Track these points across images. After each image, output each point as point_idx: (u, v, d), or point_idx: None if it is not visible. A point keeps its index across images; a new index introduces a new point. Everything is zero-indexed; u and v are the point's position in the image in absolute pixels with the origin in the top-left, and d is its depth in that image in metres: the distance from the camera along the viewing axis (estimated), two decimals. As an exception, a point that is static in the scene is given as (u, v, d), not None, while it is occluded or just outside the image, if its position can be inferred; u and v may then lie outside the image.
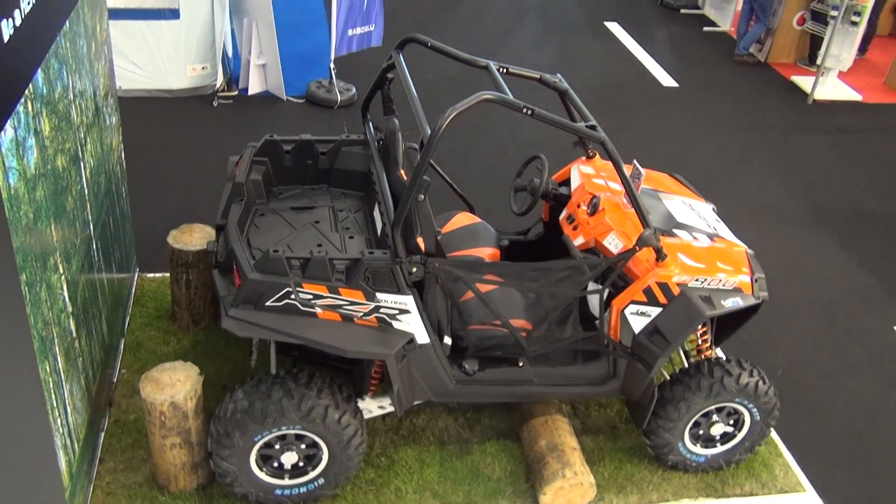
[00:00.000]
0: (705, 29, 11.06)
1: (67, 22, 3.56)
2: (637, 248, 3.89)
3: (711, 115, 8.65)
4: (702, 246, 4.22)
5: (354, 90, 7.99)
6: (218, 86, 7.73)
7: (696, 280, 4.01)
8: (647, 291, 3.97)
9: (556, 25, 10.61)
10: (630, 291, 4.00)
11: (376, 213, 4.23)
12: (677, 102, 8.87)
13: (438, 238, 3.96)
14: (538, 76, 4.24)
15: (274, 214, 4.30)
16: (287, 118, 7.65)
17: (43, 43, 3.14)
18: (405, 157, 4.33)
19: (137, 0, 7.30)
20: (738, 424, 4.28)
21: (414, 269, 3.68)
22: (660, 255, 3.93)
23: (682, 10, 11.56)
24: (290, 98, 7.92)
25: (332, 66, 7.88)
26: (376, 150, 4.42)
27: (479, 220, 4.85)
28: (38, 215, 3.05)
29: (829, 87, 9.38)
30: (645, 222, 3.85)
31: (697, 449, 4.31)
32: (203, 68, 7.71)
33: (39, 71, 3.10)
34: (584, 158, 4.85)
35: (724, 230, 4.54)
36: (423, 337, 3.79)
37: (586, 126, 3.87)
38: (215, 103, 7.66)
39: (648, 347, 3.98)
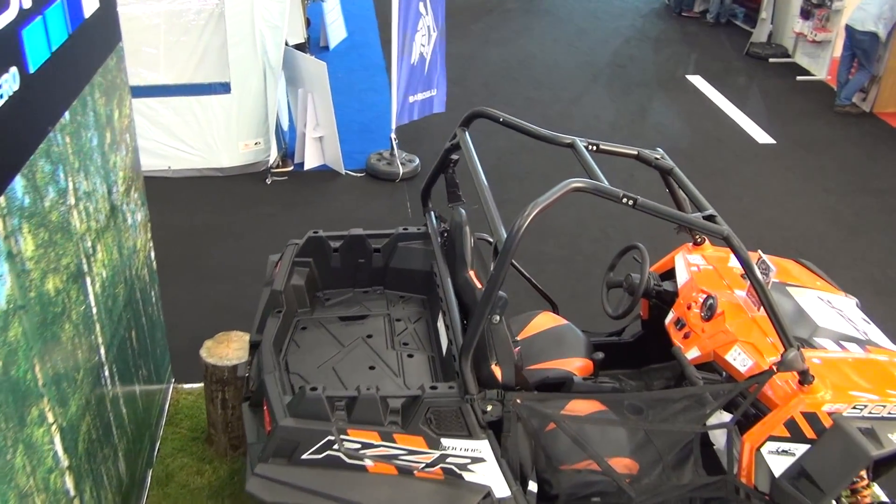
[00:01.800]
0: (798, 78, 10.14)
1: (68, 113, 2.96)
2: (775, 371, 3.03)
3: (817, 176, 7.70)
4: (855, 358, 3.33)
5: (418, 161, 7.34)
6: (272, 162, 7.18)
7: (854, 407, 3.11)
8: (790, 424, 3.09)
9: (633, 82, 9.85)
10: (767, 424, 3.12)
11: (440, 325, 3.48)
12: (777, 161, 7.95)
13: (517, 352, 3.18)
14: (636, 153, 3.47)
15: (319, 328, 3.59)
16: (345, 193, 7.03)
17: (22, 143, 2.52)
18: (475, 255, 3.58)
19: (188, 75, 6.84)
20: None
21: (489, 408, 2.90)
22: (805, 379, 3.06)
23: (771, 60, 10.67)
24: (349, 172, 7.32)
25: (392, 136, 7.26)
26: (439, 247, 3.69)
27: (564, 321, 4.05)
28: (10, 361, 2.39)
29: (949, 138, 8.34)
30: (787, 339, 3.00)
31: None
32: (256, 144, 7.18)
33: (18, 178, 2.47)
34: (690, 245, 4.02)
35: (876, 333, 3.63)
36: (502, 489, 2.98)
37: (703, 217, 3.06)
38: (269, 180, 7.11)
39: (794, 496, 3.09)
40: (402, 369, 3.37)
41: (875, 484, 3.80)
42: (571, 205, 6.69)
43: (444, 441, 2.88)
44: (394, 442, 2.86)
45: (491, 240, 4.04)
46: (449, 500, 2.89)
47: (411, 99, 7.32)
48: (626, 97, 9.40)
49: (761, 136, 8.47)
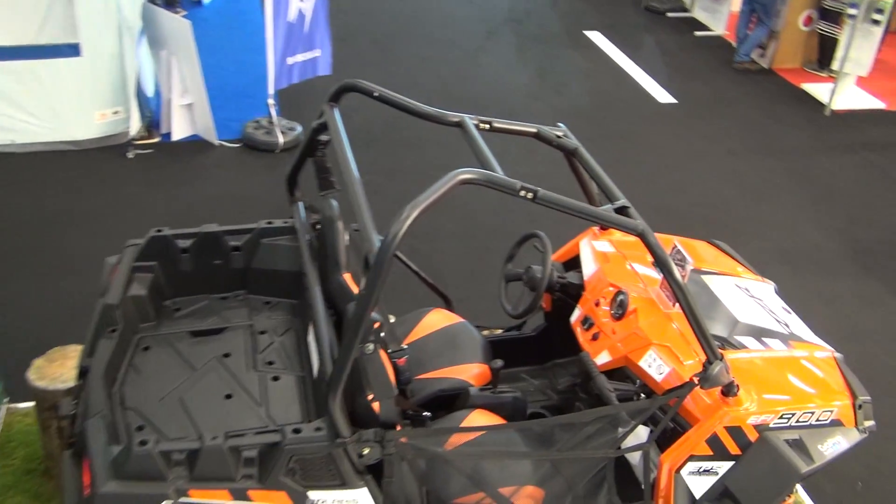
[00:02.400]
0: (697, 34, 9.88)
1: None
2: (696, 384, 2.63)
3: (720, 136, 7.44)
4: (778, 358, 2.98)
5: (300, 129, 6.68)
6: (133, 133, 6.38)
7: (781, 417, 2.76)
8: (713, 441, 2.71)
9: (530, 38, 9.37)
10: (687, 443, 2.73)
11: (312, 339, 2.94)
12: (679, 122, 7.65)
13: (402, 362, 2.69)
14: (535, 130, 2.99)
15: (165, 347, 2.99)
16: (219, 167, 6.33)
17: None
18: (350, 253, 3.04)
19: (30, 36, 5.95)
20: None
21: (365, 451, 2.39)
22: (729, 391, 2.67)
23: (669, 14, 10.38)
24: (223, 142, 6.61)
25: (270, 101, 6.58)
26: (307, 245, 3.13)
27: (457, 318, 3.58)
28: None
29: (848, 94, 8.21)
30: (711, 352, 2.59)
31: None
32: (115, 113, 6.36)
33: None
34: (597, 230, 3.59)
35: (797, 324, 3.30)
36: None
37: (615, 209, 2.60)
38: (131, 154, 6.32)
39: None
40: (266, 396, 2.82)
41: (798, 489, 3.51)
42: (465, 189, 6.20)
43: (313, 494, 2.37)
44: (249, 501, 2.33)
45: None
46: (319, 563, 2.38)
47: (290, 60, 6.63)
48: (523, 54, 8.92)
49: (662, 96, 8.16)
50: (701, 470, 2.74)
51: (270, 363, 2.97)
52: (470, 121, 2.81)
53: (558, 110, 7.55)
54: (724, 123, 7.68)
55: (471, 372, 3.31)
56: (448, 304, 3.80)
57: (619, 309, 3.11)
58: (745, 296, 3.31)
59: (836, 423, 2.86)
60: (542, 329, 3.80)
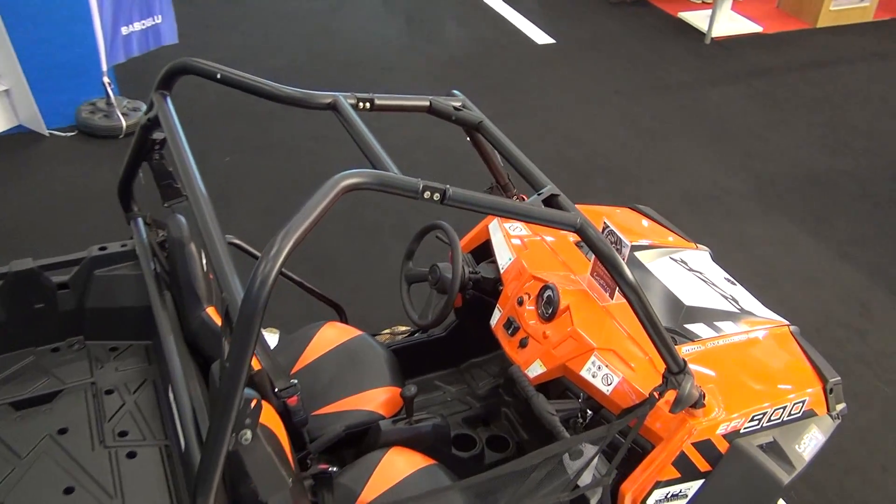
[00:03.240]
0: (566, -33, 9.41)
1: None
2: (671, 411, 2.18)
3: (606, 77, 7.03)
4: (736, 344, 2.56)
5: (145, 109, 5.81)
6: (-60, 131, 5.38)
7: (752, 420, 2.34)
8: (681, 461, 2.27)
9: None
10: (652, 468, 2.27)
11: (171, 395, 2.29)
12: (561, 64, 7.19)
13: (294, 401, 2.14)
14: (427, 103, 2.40)
15: None
16: (52, 162, 5.41)
17: None
18: (217, 282, 2.40)
19: None
20: None
21: None
22: (697, 402, 2.22)
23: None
24: (55, 132, 5.68)
25: (105, 80, 5.67)
26: (152, 275, 2.47)
27: (354, 331, 3.00)
28: None
29: (725, 21, 7.97)
30: (675, 363, 2.12)
31: None
32: (-86, 109, 5.34)
33: None
34: (506, 208, 3.04)
35: (742, 295, 2.90)
36: None
37: (543, 200, 2.06)
38: (-60, 157, 5.33)
39: None
40: (121, 483, 2.17)
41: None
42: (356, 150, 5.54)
43: None
44: None
45: (238, 242, 2.87)
46: None
47: (125, 30, 5.71)
48: (387, 2, 8.21)
49: (540, 37, 7.67)
50: (668, 496, 2.29)
51: (123, 434, 2.31)
52: (345, 101, 2.19)
53: (435, 61, 6.95)
54: (607, 61, 7.28)
55: (378, 399, 2.75)
56: (341, 315, 3.21)
57: (548, 307, 2.61)
58: (685, 271, 2.87)
59: (809, 415, 2.47)
60: (454, 327, 3.27)
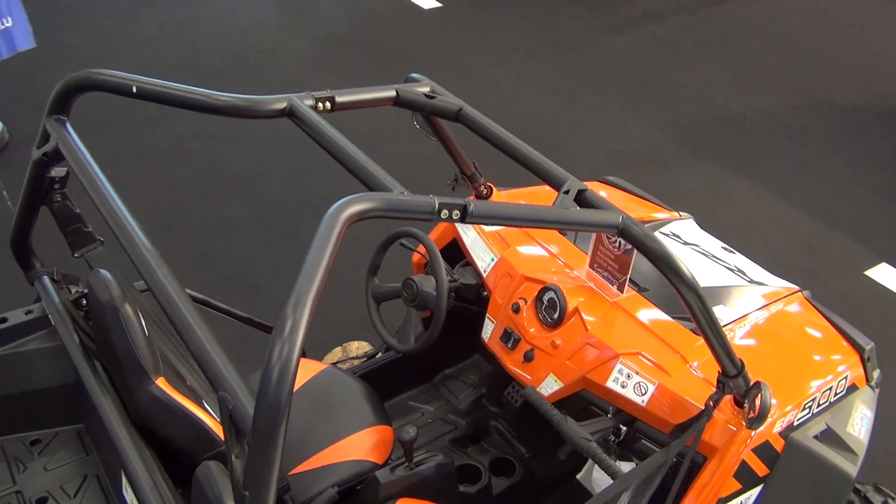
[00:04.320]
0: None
1: None
2: (750, 428, 1.89)
3: (501, 36, 6.70)
4: (765, 326, 2.30)
5: (1, 127, 5.06)
6: None
7: (804, 409, 2.08)
8: (741, 471, 1.98)
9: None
10: (709, 485, 1.98)
11: (129, 494, 1.82)
12: (453, 29, 6.80)
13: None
14: (392, 94, 1.99)
15: None
16: None
17: None
18: (152, 342, 1.92)
19: None
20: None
21: None
22: (745, 414, 1.93)
23: None
24: None
25: (-51, 99, 4.89)
26: (76, 345, 1.97)
27: (319, 365, 2.58)
28: None
29: (608, -33, 7.77)
30: (732, 364, 1.82)
31: None
32: None
33: None
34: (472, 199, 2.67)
35: (747, 265, 2.65)
36: None
37: (576, 198, 1.69)
38: None
39: None
40: None
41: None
42: (296, 180, 5.01)
43: None
44: None
45: (199, 295, 2.37)
46: None
47: (-37, 38, 4.92)
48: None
49: (424, 1, 7.25)
50: (730, 511, 2.01)
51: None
52: (302, 103, 1.74)
53: (317, 39, 6.42)
54: (499, 20, 6.95)
55: (365, 445, 2.34)
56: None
57: (552, 312, 2.26)
58: (682, 246, 2.59)
59: (852, 390, 2.24)
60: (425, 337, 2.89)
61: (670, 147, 5.32)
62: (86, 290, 2.14)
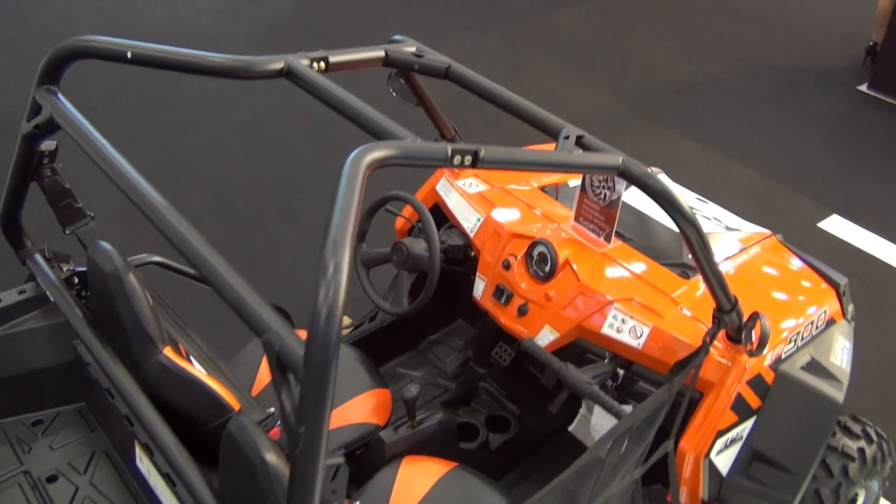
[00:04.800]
0: None
1: None
2: (751, 355, 1.97)
3: (446, 13, 6.72)
4: (745, 265, 2.40)
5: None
6: None
7: (790, 342, 2.18)
8: (737, 404, 2.07)
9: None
10: (709, 418, 2.06)
11: (144, 464, 1.82)
12: (397, 6, 6.80)
13: (275, 434, 1.78)
14: (381, 54, 2.01)
15: None
16: None
17: None
18: (158, 311, 1.92)
19: None
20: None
21: None
22: (743, 344, 2.01)
23: None
24: None
25: None
26: (80, 317, 1.95)
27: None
28: None
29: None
30: (727, 299, 1.90)
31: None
32: None
33: None
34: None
35: (722, 213, 2.75)
36: None
37: (577, 142, 1.75)
38: None
39: (757, 492, 2.12)
40: None
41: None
42: (269, 158, 4.95)
43: None
44: None
45: (161, 260, 2.36)
46: None
47: None
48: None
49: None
50: (728, 442, 2.10)
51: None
52: (299, 62, 1.75)
53: (260, 23, 6.35)
54: (445, -2, 6.98)
55: (365, 408, 2.37)
56: (289, 319, 2.77)
57: (543, 265, 2.31)
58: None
59: (830, 324, 2.35)
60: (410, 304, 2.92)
61: (621, 115, 5.43)
62: (77, 269, 2.11)
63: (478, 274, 2.47)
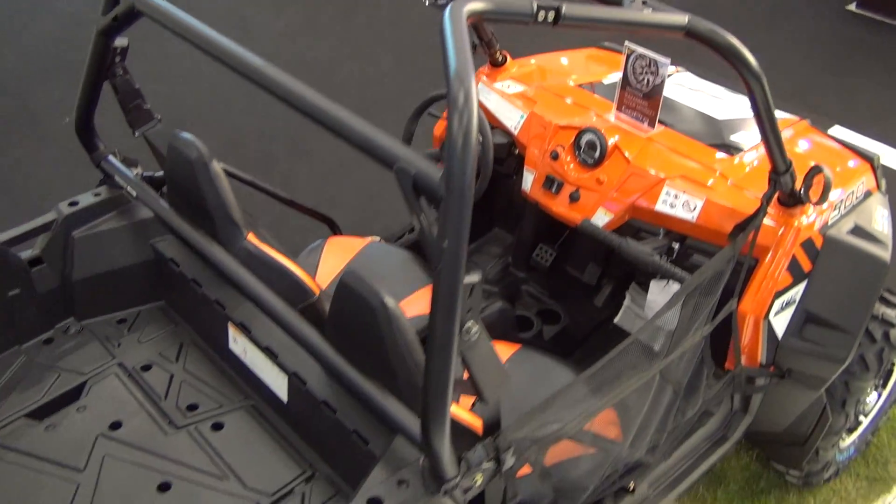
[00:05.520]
0: None
1: None
2: (814, 204, 2.07)
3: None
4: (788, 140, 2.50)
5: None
6: None
7: (835, 209, 2.28)
8: (793, 266, 2.17)
9: None
10: (766, 281, 2.16)
11: (238, 345, 1.89)
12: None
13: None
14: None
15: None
16: None
17: None
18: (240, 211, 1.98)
19: None
20: (887, 377, 2.76)
21: (478, 480, 1.51)
22: (804, 198, 2.10)
23: None
24: None
25: None
26: (170, 209, 2.00)
27: (361, 240, 2.65)
28: None
29: None
30: (783, 160, 1.99)
31: (846, 442, 2.75)
32: None
33: None
34: (486, 68, 2.77)
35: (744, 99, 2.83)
36: None
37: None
38: None
39: (811, 351, 2.23)
40: (222, 460, 1.76)
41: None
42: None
43: None
44: None
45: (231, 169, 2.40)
46: None
47: None
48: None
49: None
50: (784, 305, 2.20)
51: (192, 408, 1.87)
52: None
53: None
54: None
55: (425, 300, 2.42)
56: (333, 228, 2.83)
57: (592, 152, 2.39)
58: (690, 91, 2.74)
59: (868, 195, 2.45)
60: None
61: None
62: (145, 174, 2.15)
63: (525, 168, 2.54)
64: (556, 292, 2.94)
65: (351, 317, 1.60)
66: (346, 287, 1.61)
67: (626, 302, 2.75)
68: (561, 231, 2.95)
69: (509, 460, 1.53)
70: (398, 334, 1.55)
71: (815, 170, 1.98)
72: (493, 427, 1.54)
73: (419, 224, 1.30)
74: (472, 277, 1.29)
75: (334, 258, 2.55)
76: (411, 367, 1.56)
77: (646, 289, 2.61)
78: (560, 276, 2.94)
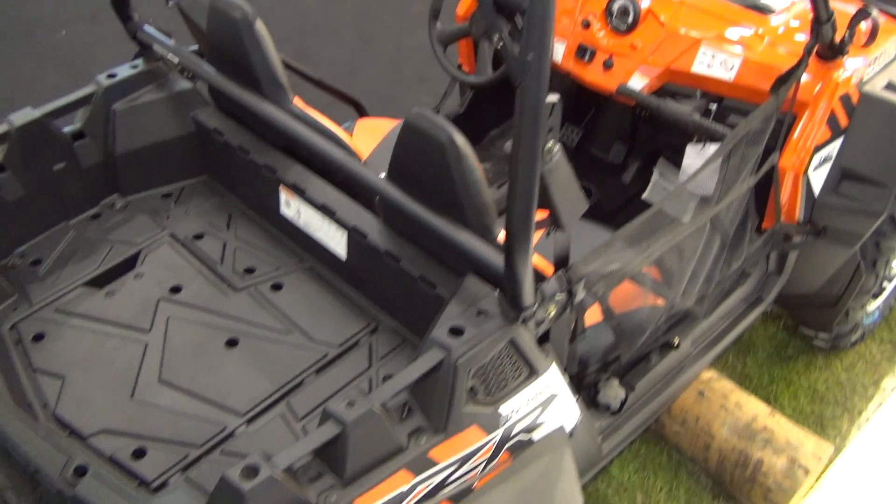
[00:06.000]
0: None
1: None
2: (844, 54, 2.07)
3: None
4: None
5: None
6: None
7: (870, 67, 2.28)
8: (831, 119, 2.18)
9: None
10: (805, 134, 2.18)
11: (291, 209, 1.89)
12: None
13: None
14: None
15: (65, 324, 1.77)
16: None
17: None
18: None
19: None
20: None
21: (551, 312, 1.54)
22: (841, 49, 2.10)
23: None
24: None
25: None
26: (216, 74, 1.98)
27: (389, 120, 2.65)
28: None
29: None
30: (826, 9, 1.98)
31: (871, 306, 2.80)
32: None
33: None
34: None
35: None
36: (573, 411, 1.72)
37: None
38: None
39: (848, 207, 2.26)
40: (285, 316, 1.78)
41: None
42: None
43: (503, 408, 1.49)
44: (433, 465, 1.40)
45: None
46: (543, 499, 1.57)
47: None
48: None
49: None
50: (822, 160, 2.22)
51: (250, 271, 1.89)
52: None
53: None
54: None
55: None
56: (360, 111, 2.81)
57: (625, 17, 2.37)
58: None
59: (898, 47, 2.44)
60: (470, 101, 2.98)
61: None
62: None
63: (555, 39, 2.51)
64: (581, 173, 2.94)
65: (417, 156, 1.60)
66: (411, 127, 1.60)
67: (655, 177, 2.76)
68: (586, 111, 2.94)
69: (580, 293, 1.55)
70: (468, 172, 1.55)
71: (862, 13, 1.97)
72: (562, 262, 1.56)
73: (503, 41, 1.29)
74: (552, 97, 1.29)
75: (366, 139, 2.54)
76: (480, 207, 1.57)
77: (675, 162, 2.62)
78: (585, 157, 2.95)
